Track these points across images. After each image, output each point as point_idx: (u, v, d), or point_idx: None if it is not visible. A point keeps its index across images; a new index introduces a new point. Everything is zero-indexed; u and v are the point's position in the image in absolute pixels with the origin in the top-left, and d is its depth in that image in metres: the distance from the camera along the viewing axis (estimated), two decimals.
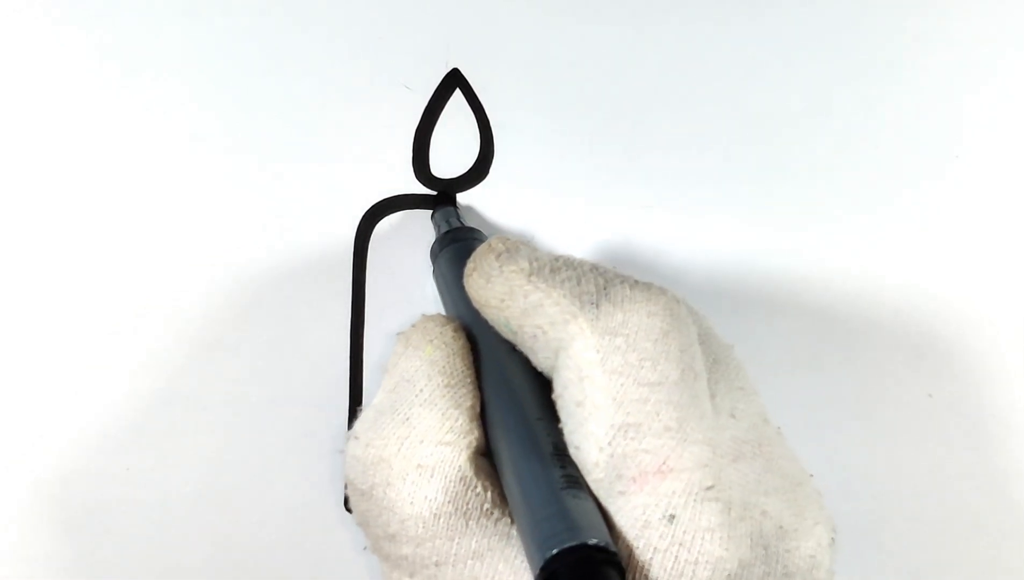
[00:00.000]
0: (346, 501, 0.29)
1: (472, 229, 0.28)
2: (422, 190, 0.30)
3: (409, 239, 0.30)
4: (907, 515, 0.30)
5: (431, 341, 0.23)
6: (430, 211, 0.30)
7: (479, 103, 0.30)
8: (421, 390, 0.22)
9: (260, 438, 0.30)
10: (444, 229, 0.28)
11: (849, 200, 0.30)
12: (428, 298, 0.30)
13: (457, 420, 0.22)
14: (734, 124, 0.30)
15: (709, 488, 0.19)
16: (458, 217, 0.29)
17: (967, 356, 0.30)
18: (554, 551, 0.18)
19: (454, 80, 0.30)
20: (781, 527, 0.20)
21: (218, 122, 0.30)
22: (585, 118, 0.30)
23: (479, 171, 0.30)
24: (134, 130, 0.30)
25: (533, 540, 0.19)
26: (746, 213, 0.30)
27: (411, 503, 0.21)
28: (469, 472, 0.21)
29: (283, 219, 0.30)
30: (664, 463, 0.19)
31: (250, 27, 0.30)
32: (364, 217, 0.30)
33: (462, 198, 0.30)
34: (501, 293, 0.22)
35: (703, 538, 0.19)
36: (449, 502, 0.21)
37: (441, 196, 0.30)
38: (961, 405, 0.30)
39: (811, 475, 0.21)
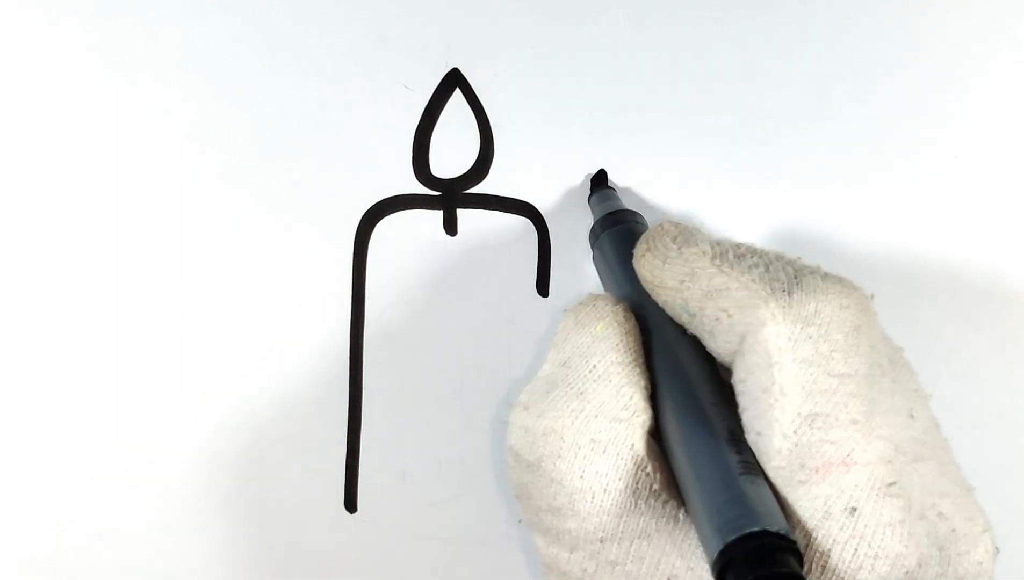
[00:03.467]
0: (347, 501, 0.30)
1: (633, 212, 0.28)
2: (422, 190, 0.30)
3: (409, 239, 0.30)
4: None
5: (602, 318, 0.23)
6: (433, 211, 0.30)
7: (479, 103, 0.30)
8: (595, 366, 0.22)
9: (260, 438, 0.30)
10: (606, 211, 0.28)
11: (849, 200, 0.30)
12: (428, 298, 0.30)
13: (631, 398, 0.22)
14: (734, 124, 0.30)
15: (891, 484, 0.19)
16: (617, 199, 0.29)
17: (968, 356, 0.30)
18: (733, 537, 0.18)
19: (454, 80, 0.30)
20: (954, 530, 0.20)
21: (217, 122, 0.30)
22: (585, 118, 0.30)
23: (479, 171, 0.30)
24: (133, 130, 0.30)
25: (710, 525, 0.19)
26: (746, 214, 0.30)
27: (581, 476, 0.21)
28: (641, 451, 0.21)
29: (283, 219, 0.30)
30: (849, 455, 0.19)
31: (249, 27, 0.30)
32: (364, 217, 0.30)
33: (620, 181, 0.30)
34: (680, 274, 0.22)
35: (884, 533, 0.19)
36: (619, 479, 0.21)
37: (598, 178, 0.29)
38: (962, 405, 0.30)
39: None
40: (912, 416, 0.21)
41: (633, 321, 0.23)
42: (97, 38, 0.30)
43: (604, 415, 0.21)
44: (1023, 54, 0.30)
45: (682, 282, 0.22)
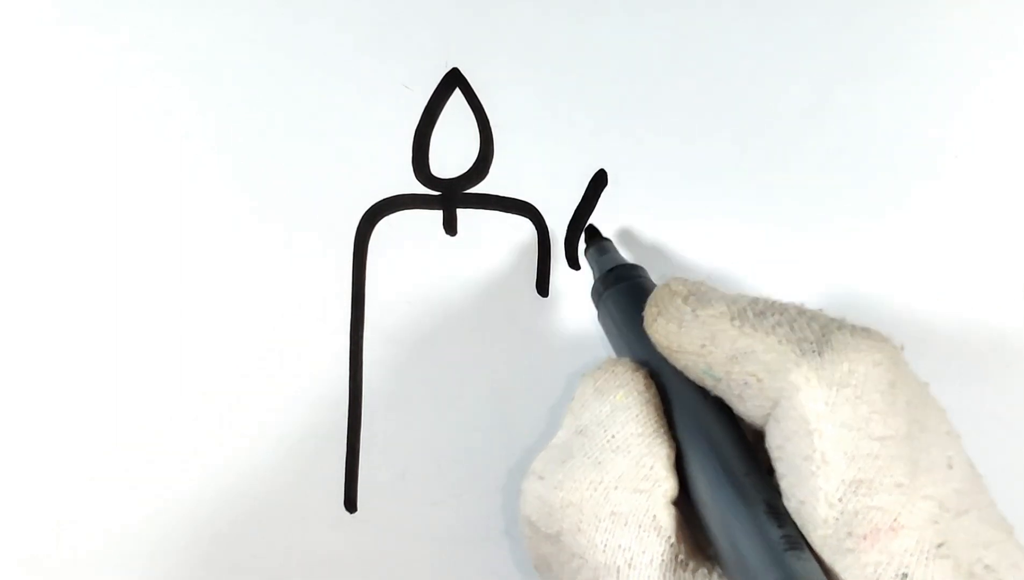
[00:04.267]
0: (346, 501, 0.29)
1: (634, 266, 0.27)
2: (422, 190, 0.30)
3: (409, 239, 0.30)
4: None
5: (621, 387, 0.22)
6: (433, 211, 0.30)
7: (479, 103, 0.30)
8: (613, 436, 0.21)
9: (260, 438, 0.30)
10: (606, 267, 0.27)
11: (849, 199, 0.30)
12: (428, 298, 0.30)
13: (652, 468, 0.21)
14: (734, 123, 0.30)
15: (940, 546, 0.19)
16: (616, 252, 0.28)
17: (967, 356, 0.30)
18: None
19: (454, 80, 0.30)
20: None
21: (218, 122, 0.30)
22: (585, 118, 0.30)
23: (479, 171, 0.30)
24: (134, 130, 0.30)
25: None
26: (745, 212, 0.30)
27: (603, 551, 0.21)
28: (664, 522, 0.21)
29: (283, 219, 0.30)
30: (896, 520, 0.19)
31: (249, 27, 0.30)
32: (364, 217, 0.30)
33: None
34: (700, 338, 0.21)
35: None
36: (643, 552, 0.21)
37: (591, 230, 0.29)
38: (961, 405, 0.30)
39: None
40: (950, 466, 0.20)
41: (654, 388, 0.23)
42: (97, 38, 0.30)
43: (624, 486, 0.21)
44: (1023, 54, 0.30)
45: (703, 346, 0.21)
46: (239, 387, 0.30)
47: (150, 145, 0.30)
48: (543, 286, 0.30)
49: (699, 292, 0.22)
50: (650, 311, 0.22)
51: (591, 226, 0.29)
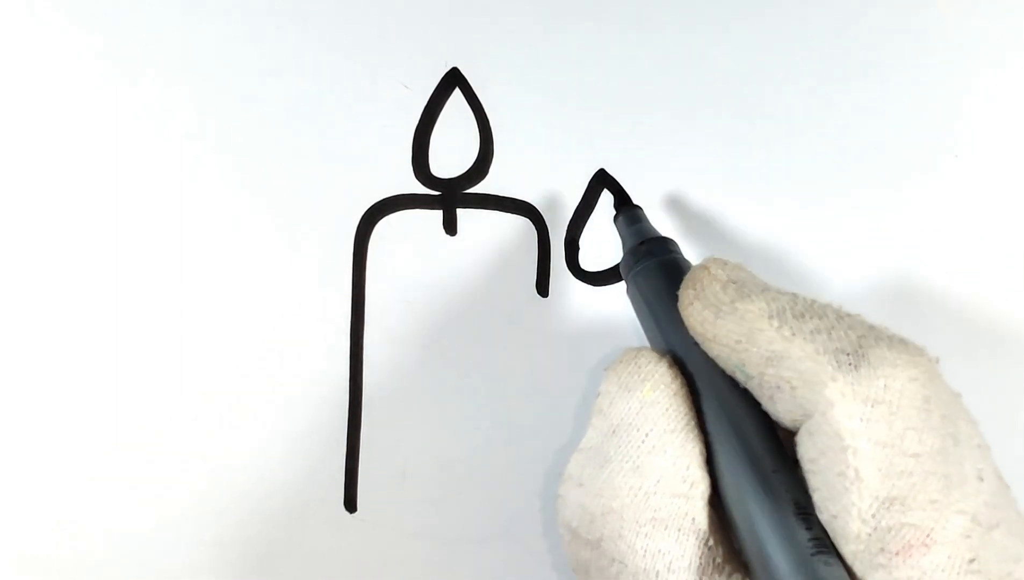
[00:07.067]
0: (346, 501, 0.29)
1: (667, 239, 0.26)
2: (422, 190, 0.30)
3: (409, 239, 0.30)
4: None
5: (646, 380, 0.22)
6: (433, 211, 0.30)
7: (479, 103, 0.30)
8: (646, 436, 0.21)
9: (260, 437, 0.30)
10: (638, 239, 0.26)
11: (849, 200, 0.30)
12: (428, 298, 0.30)
13: (688, 469, 0.21)
14: (733, 123, 0.30)
15: (971, 561, 0.19)
16: (648, 222, 0.27)
17: (966, 356, 0.30)
18: None
19: (454, 80, 0.30)
20: None
21: (218, 122, 0.30)
22: (585, 117, 0.30)
23: (479, 171, 0.30)
24: (134, 130, 0.30)
25: None
26: (745, 213, 0.30)
27: (643, 555, 0.21)
28: (703, 524, 0.21)
29: (283, 219, 0.30)
30: (928, 536, 0.19)
31: (249, 27, 0.30)
32: (364, 217, 0.30)
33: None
34: (736, 333, 0.21)
35: None
36: (682, 556, 0.20)
37: (621, 196, 0.27)
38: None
39: None
40: (981, 478, 0.20)
41: (680, 379, 0.22)
42: (98, 38, 0.30)
43: (663, 491, 0.21)
44: None
45: (738, 342, 0.21)
46: (239, 387, 0.30)
47: (150, 145, 0.30)
48: (543, 286, 0.30)
49: (739, 280, 0.21)
50: (686, 293, 0.22)
51: (621, 192, 0.28)
